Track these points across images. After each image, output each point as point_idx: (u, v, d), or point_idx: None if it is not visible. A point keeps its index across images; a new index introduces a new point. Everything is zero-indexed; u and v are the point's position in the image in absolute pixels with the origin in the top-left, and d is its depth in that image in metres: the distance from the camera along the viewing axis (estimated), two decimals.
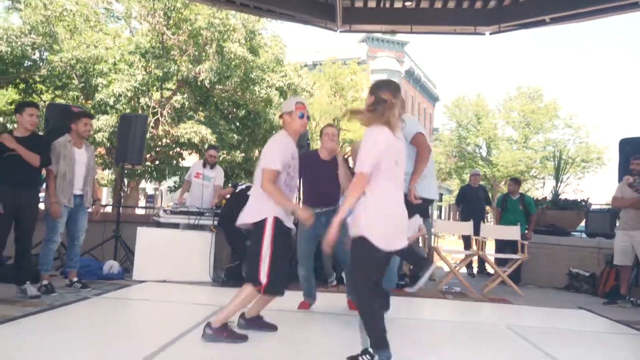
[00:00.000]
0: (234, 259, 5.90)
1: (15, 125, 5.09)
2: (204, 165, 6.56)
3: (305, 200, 4.44)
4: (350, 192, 2.75)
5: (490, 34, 7.78)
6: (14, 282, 4.37)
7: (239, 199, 4.88)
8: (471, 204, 8.18)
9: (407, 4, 7.57)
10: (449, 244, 11.19)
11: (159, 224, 6.19)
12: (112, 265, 5.80)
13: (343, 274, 5.89)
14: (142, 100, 11.34)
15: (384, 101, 2.78)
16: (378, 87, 2.87)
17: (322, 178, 4.30)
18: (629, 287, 5.73)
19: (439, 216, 38.82)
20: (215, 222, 6.08)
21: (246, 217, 3.30)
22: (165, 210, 6.11)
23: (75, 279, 4.87)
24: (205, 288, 5.50)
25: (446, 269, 6.66)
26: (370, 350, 2.75)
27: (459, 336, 3.89)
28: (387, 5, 7.69)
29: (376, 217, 2.72)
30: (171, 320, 3.88)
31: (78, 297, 4.46)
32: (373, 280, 2.81)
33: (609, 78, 74.50)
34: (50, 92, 12.75)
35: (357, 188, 2.73)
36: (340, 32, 7.83)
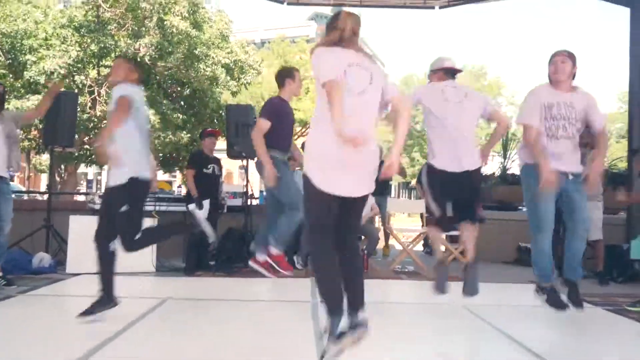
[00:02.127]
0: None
1: None
2: None
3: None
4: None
5: (440, 7, 7.69)
6: None
7: None
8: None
9: None
10: (400, 222, 11.22)
11: (94, 212, 5.74)
12: (42, 258, 5.32)
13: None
14: (77, 78, 10.58)
15: (336, 28, 2.54)
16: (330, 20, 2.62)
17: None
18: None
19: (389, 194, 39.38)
20: (158, 208, 5.72)
21: None
22: (101, 196, 5.66)
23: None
24: (148, 278, 5.17)
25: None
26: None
27: (416, 318, 3.79)
28: None
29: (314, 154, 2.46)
30: (109, 316, 3.53)
31: (2, 295, 4.04)
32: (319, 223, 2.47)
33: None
34: None
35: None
36: (287, 4, 7.50)
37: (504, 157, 9.22)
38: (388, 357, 2.76)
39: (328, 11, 35.16)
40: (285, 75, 4.41)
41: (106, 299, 3.29)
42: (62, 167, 12.99)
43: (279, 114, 4.22)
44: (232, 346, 2.88)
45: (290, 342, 3.02)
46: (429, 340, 3.18)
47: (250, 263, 3.63)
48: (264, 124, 4.08)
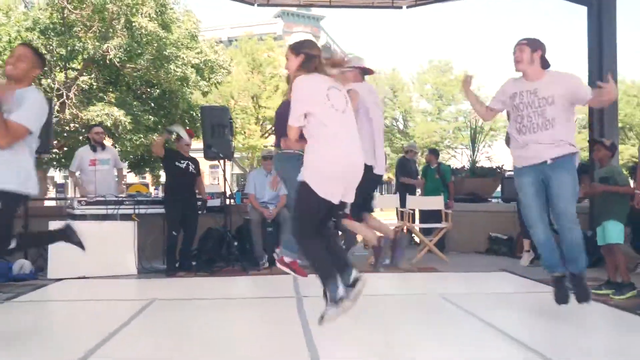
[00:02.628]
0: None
1: None
2: (94, 149, 6.12)
3: None
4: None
5: (407, 7, 7.90)
6: None
7: None
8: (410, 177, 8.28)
9: None
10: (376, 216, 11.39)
11: (73, 217, 5.73)
12: (22, 265, 5.30)
13: (274, 255, 5.82)
14: (44, 82, 10.40)
15: (314, 57, 2.94)
16: (302, 46, 3.02)
17: None
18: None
19: None
20: (137, 211, 5.75)
21: None
22: (79, 201, 5.66)
23: None
24: (131, 281, 5.21)
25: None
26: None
27: (396, 309, 3.95)
28: None
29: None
30: (97, 320, 3.59)
31: None
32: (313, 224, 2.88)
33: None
34: None
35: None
36: (258, 5, 7.59)
37: (473, 150, 9.53)
38: (371, 348, 2.92)
39: (294, 9, 35.16)
40: None
41: None
42: None
43: None
44: (224, 343, 2.99)
45: (279, 334, 3.15)
46: (406, 329, 3.33)
47: (278, 265, 3.76)
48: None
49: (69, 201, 6.15)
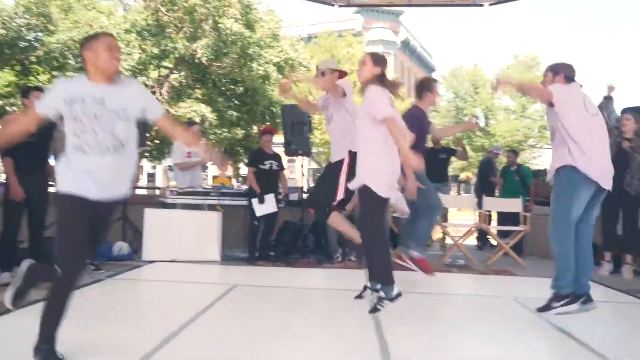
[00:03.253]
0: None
1: (15, 109, 5.08)
2: None
3: None
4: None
5: (490, 4, 7.72)
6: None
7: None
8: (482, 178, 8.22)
9: None
10: (452, 216, 11.28)
11: (164, 205, 6.24)
12: (121, 247, 5.88)
13: (347, 249, 6.01)
14: (139, 79, 11.25)
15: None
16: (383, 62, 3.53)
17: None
18: None
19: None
20: (221, 201, 6.16)
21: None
22: (171, 191, 6.16)
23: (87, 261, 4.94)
24: (215, 267, 5.61)
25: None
26: (382, 293, 3.34)
27: (469, 310, 3.98)
28: None
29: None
30: (186, 300, 3.95)
31: (92, 279, 4.55)
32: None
33: (607, 44, 74.01)
34: (47, 72, 12.64)
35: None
36: (339, 6, 7.75)
37: None
38: (442, 346, 3.01)
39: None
40: (424, 87, 4.52)
41: None
42: None
43: (420, 125, 4.36)
44: (299, 329, 3.21)
45: (352, 327, 3.32)
46: (480, 330, 3.36)
47: (399, 261, 4.05)
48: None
49: (161, 190, 6.68)
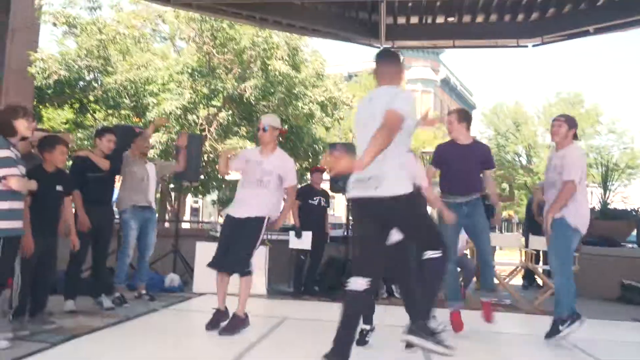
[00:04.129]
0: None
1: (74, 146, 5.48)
2: None
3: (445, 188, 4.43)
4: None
5: (533, 46, 7.85)
6: (90, 295, 4.71)
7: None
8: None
9: (450, 19, 7.73)
10: (496, 256, 11.12)
11: (215, 239, 6.47)
12: (172, 279, 6.12)
13: (393, 286, 6.05)
14: (190, 117, 11.78)
15: None
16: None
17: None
18: None
19: None
20: (270, 236, 6.34)
21: None
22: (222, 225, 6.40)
23: (144, 292, 5.20)
24: (262, 300, 5.74)
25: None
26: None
27: (522, 349, 3.99)
28: (429, 20, 7.87)
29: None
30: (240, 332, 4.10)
31: (148, 308, 4.77)
32: None
33: None
34: (103, 111, 13.39)
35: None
36: (384, 48, 8.03)
37: (604, 190, 9.00)
38: None
39: None
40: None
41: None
42: (172, 197, 14.30)
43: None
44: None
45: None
46: None
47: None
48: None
49: (212, 224, 6.95)
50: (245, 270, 4.00)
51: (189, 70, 11.96)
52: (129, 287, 5.45)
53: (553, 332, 3.98)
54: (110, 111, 13.28)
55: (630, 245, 7.85)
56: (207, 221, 10.78)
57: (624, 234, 7.81)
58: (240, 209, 4.03)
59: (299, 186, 6.50)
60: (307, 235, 6.17)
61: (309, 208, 6.29)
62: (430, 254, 2.87)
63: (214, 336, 4.00)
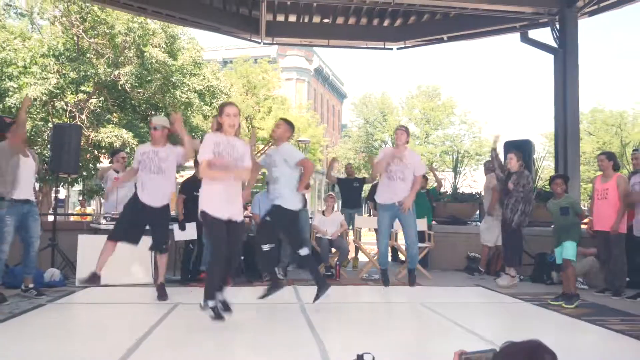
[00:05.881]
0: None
1: None
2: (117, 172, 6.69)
3: None
4: None
5: (398, 49, 8.80)
6: None
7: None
8: None
9: (325, 20, 8.36)
10: (365, 236, 12.13)
11: (96, 231, 6.41)
12: (53, 273, 5.96)
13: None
14: (57, 104, 11.12)
15: None
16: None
17: None
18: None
19: None
20: None
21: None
22: (105, 217, 6.36)
23: (31, 285, 5.07)
24: (150, 289, 5.86)
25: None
26: None
27: (385, 314, 4.70)
28: (306, 19, 8.42)
29: None
30: (129, 320, 4.29)
31: (33, 304, 4.70)
32: None
33: (500, 79, 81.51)
34: None
35: None
36: (264, 44, 8.42)
37: (455, 175, 10.34)
38: (358, 345, 3.66)
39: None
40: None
41: None
42: (38, 188, 13.33)
43: None
44: (237, 344, 3.70)
45: (291, 331, 3.87)
46: (392, 331, 4.07)
47: None
48: None
49: (94, 217, 6.83)
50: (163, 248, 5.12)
51: (56, 54, 11.25)
52: (5, 286, 5.28)
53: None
54: None
55: (474, 224, 9.19)
56: (87, 213, 10.28)
57: (469, 214, 9.13)
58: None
59: (184, 179, 6.66)
60: (192, 226, 6.36)
61: (194, 199, 6.45)
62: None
63: (107, 326, 4.15)
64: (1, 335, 3.68)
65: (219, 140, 4.02)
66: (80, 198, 15.32)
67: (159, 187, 4.94)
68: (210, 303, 3.86)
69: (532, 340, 1.32)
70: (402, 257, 8.38)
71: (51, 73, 10.95)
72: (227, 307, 4.00)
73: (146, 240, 6.21)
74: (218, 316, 3.86)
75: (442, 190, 9.48)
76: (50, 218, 7.28)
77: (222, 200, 3.93)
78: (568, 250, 5.21)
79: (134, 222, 4.96)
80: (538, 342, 1.31)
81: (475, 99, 68.92)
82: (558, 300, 5.14)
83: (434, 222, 8.44)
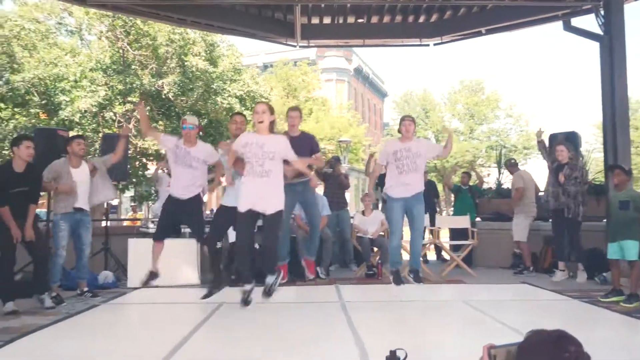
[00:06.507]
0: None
1: None
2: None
3: None
4: None
5: (434, 44, 8.70)
6: (31, 295, 4.83)
7: None
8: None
9: (360, 20, 8.37)
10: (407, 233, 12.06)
11: (145, 235, 6.67)
12: (106, 276, 6.27)
13: (318, 268, 6.60)
14: (107, 115, 11.63)
15: None
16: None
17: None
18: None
19: None
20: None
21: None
22: (152, 221, 6.62)
23: (85, 289, 5.37)
24: (197, 290, 6.06)
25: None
26: None
27: (425, 312, 4.68)
28: (341, 20, 8.46)
29: None
30: (179, 319, 4.46)
31: (88, 305, 4.96)
32: None
33: (545, 70, 78.94)
34: (9, 109, 12.79)
35: None
36: (300, 47, 8.52)
37: (499, 171, 10.14)
38: (396, 342, 3.67)
39: None
40: None
41: None
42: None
43: None
44: (277, 341, 3.79)
45: (331, 329, 3.93)
46: (432, 329, 4.06)
47: None
48: None
49: (142, 221, 7.12)
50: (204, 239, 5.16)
51: (103, 67, 11.78)
52: (63, 288, 5.58)
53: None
54: (17, 109, 12.72)
55: None
56: (138, 218, 10.72)
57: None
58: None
59: None
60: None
61: None
62: None
63: (157, 325, 4.33)
64: (59, 334, 3.91)
65: (248, 140, 4.19)
66: (132, 204, 16.00)
67: (188, 179, 4.89)
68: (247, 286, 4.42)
69: (557, 330, 1.32)
70: (445, 255, 8.29)
71: (100, 86, 11.46)
72: (269, 292, 4.40)
73: (189, 243, 6.47)
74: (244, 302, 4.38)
75: (485, 186, 9.32)
76: (103, 223, 7.62)
77: (249, 194, 4.25)
78: (631, 251, 4.94)
79: (171, 219, 5.16)
80: (563, 332, 1.31)
81: (521, 92, 67.02)
82: (608, 297, 4.96)
83: (478, 219, 8.30)
